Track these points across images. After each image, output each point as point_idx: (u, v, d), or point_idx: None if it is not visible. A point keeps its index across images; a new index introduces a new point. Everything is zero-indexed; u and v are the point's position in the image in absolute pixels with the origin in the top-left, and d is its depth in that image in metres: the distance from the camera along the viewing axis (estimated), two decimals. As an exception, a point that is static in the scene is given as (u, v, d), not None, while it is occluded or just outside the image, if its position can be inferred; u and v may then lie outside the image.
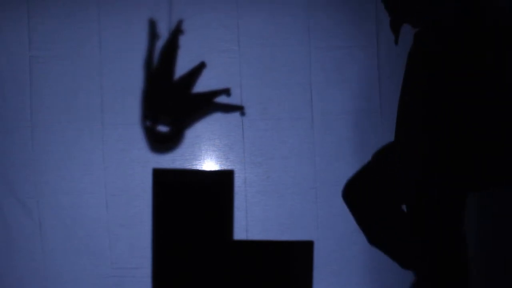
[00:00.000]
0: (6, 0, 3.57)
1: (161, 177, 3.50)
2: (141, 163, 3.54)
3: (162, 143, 3.56)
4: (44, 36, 3.55)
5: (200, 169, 3.54)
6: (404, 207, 2.64)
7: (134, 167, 3.54)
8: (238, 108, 3.51)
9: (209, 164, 3.55)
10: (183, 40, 3.55)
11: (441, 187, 2.45)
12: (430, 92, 2.43)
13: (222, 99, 3.55)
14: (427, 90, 2.44)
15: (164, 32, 3.55)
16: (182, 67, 3.56)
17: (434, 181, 2.44)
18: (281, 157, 3.54)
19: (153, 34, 3.53)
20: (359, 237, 2.90)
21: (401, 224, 2.57)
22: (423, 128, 2.44)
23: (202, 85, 3.57)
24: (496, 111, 2.39)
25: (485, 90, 2.39)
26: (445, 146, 2.41)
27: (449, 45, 2.40)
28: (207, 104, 3.54)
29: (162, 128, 3.58)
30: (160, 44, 3.56)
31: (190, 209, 3.40)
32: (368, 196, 2.55)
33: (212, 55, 3.54)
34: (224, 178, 3.49)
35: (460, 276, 2.58)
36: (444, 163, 2.41)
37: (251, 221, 3.52)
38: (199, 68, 3.53)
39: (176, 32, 3.53)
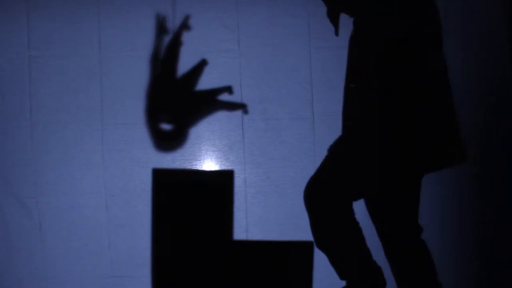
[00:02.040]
0: (5, 0, 3.57)
1: (161, 177, 3.49)
2: (141, 163, 3.54)
3: (167, 141, 3.56)
4: (44, 35, 3.55)
5: (200, 169, 3.54)
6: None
7: (134, 167, 3.54)
8: (240, 106, 3.51)
9: (209, 164, 3.55)
10: (183, 39, 3.55)
11: (398, 169, 2.45)
12: (376, 78, 2.43)
13: (224, 97, 3.55)
14: (374, 77, 2.44)
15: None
16: (182, 66, 3.56)
17: (390, 164, 2.44)
18: (281, 157, 3.54)
19: (161, 29, 3.52)
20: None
21: (349, 231, 2.57)
22: (373, 113, 2.44)
23: (202, 85, 3.57)
24: (435, 95, 2.43)
25: (428, 75, 2.42)
26: (396, 130, 2.42)
27: (386, 33, 2.41)
28: (210, 103, 3.54)
29: (166, 126, 3.58)
30: (148, 42, 3.57)
31: (190, 209, 3.39)
32: (324, 196, 2.54)
33: (212, 55, 3.54)
34: (224, 178, 3.47)
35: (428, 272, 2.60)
36: (397, 146, 2.42)
37: (251, 221, 3.52)
38: (201, 65, 3.53)
39: (182, 28, 3.52)
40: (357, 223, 2.60)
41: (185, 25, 3.53)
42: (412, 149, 2.45)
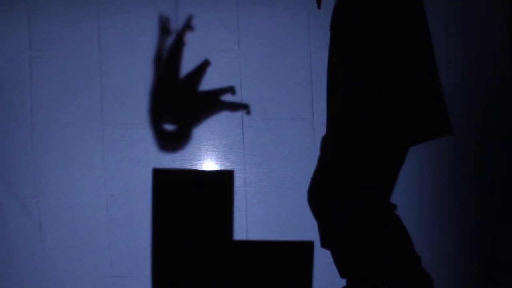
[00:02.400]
0: (6, 0, 3.57)
1: (161, 177, 3.50)
2: (141, 163, 3.54)
3: (170, 141, 3.56)
4: (44, 36, 3.55)
5: (200, 169, 3.54)
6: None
7: (134, 167, 3.54)
8: (243, 107, 3.51)
9: (209, 164, 3.55)
10: (186, 39, 3.56)
11: (383, 141, 2.45)
12: (362, 48, 2.43)
13: (227, 98, 3.55)
14: (358, 48, 2.44)
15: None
16: (183, 66, 3.57)
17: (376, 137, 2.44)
18: (281, 157, 3.54)
19: (164, 30, 3.53)
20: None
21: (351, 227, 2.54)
22: (357, 84, 2.43)
23: (202, 85, 3.57)
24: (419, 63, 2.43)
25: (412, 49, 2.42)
26: (380, 101, 2.41)
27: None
28: (213, 103, 3.54)
29: (169, 127, 3.58)
30: (148, 43, 3.57)
31: (190, 209, 3.40)
32: (324, 192, 2.50)
33: (212, 55, 3.54)
34: (224, 178, 3.48)
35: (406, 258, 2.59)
36: (381, 117, 2.42)
37: (251, 221, 3.52)
38: (204, 66, 3.54)
39: (185, 28, 3.52)
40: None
41: (188, 26, 3.53)
42: (397, 120, 2.45)
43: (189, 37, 3.55)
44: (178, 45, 3.55)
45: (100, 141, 3.55)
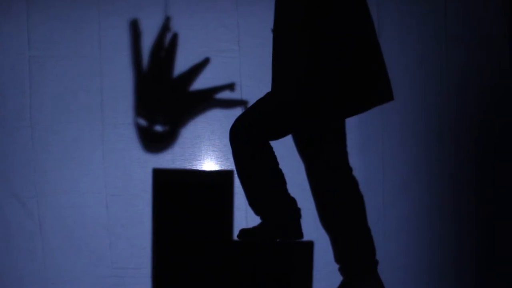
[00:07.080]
0: (5, 0, 3.57)
1: (161, 177, 3.51)
2: (141, 163, 3.54)
3: (157, 142, 3.56)
4: (44, 36, 3.55)
5: (200, 169, 3.54)
6: None
7: (134, 167, 3.54)
8: (240, 103, 3.51)
9: (209, 164, 3.55)
10: (182, 40, 3.55)
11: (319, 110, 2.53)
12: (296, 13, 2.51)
13: (225, 95, 3.55)
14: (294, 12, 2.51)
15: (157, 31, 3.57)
16: (181, 66, 3.57)
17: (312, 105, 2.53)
18: (280, 156, 3.53)
19: (135, 34, 3.53)
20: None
21: (264, 163, 2.69)
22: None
23: (201, 85, 3.57)
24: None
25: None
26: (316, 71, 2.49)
27: None
28: (206, 101, 3.54)
29: (157, 128, 3.58)
30: (150, 43, 3.57)
31: (190, 209, 3.40)
32: (243, 128, 2.61)
33: (212, 55, 3.54)
34: (224, 178, 3.49)
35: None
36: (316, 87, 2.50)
37: (251, 221, 3.51)
38: (202, 64, 3.54)
39: (164, 29, 3.53)
40: (272, 155, 2.72)
41: (166, 27, 3.53)
42: (332, 90, 2.48)
43: (189, 37, 3.55)
44: (164, 45, 3.55)
45: (100, 141, 3.55)
